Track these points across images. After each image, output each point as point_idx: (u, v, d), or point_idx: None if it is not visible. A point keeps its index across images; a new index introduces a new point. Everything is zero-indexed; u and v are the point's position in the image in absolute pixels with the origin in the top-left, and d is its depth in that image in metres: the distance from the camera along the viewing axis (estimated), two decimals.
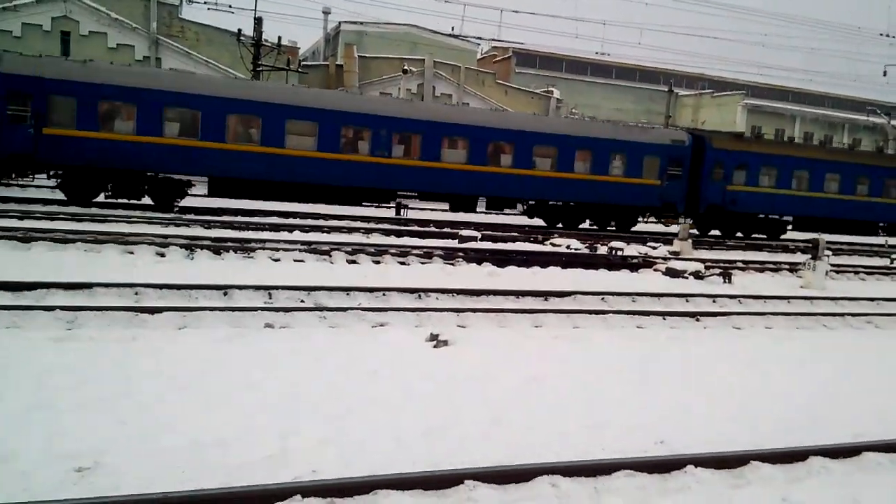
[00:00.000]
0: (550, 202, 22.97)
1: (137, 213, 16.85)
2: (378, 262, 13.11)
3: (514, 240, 17.66)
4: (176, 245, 12.15)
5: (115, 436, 4.48)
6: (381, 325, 8.25)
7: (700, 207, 24.69)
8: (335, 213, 20.46)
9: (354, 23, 42.41)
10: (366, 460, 4.40)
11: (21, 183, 20.07)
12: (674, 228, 22.53)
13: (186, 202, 19.40)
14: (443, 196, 22.05)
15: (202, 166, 18.65)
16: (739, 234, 26.04)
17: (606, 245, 16.96)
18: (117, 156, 17.77)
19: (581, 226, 23.67)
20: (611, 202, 23.32)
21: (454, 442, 4.84)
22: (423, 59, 39.24)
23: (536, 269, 13.68)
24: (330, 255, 13.05)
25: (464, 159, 21.17)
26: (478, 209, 23.56)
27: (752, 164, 25.25)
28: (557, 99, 44.22)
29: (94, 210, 16.76)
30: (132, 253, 11.54)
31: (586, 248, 16.88)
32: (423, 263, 13.40)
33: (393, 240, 16.29)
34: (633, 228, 24.72)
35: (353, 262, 12.92)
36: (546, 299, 10.48)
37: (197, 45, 34.59)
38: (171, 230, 14.43)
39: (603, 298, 10.88)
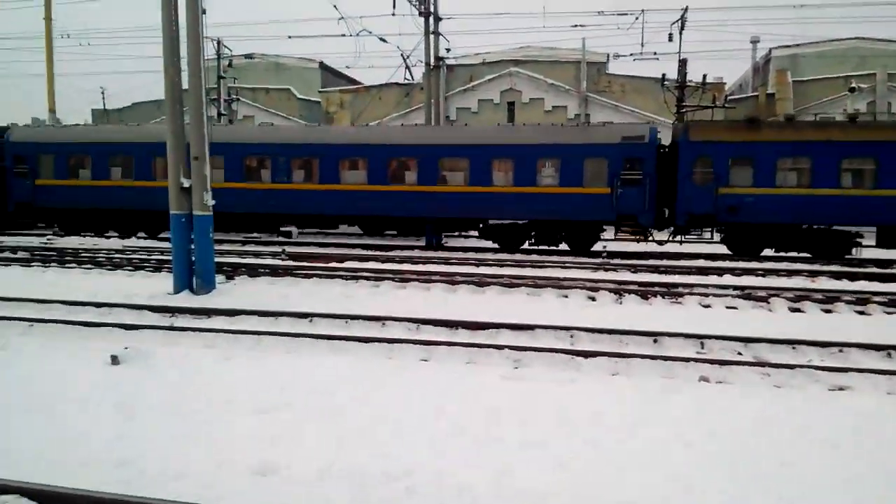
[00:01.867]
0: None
1: (569, 258, 18.11)
2: (829, 312, 11.30)
3: None
4: (605, 289, 12.59)
5: (560, 479, 4.63)
6: (841, 389, 6.96)
7: (678, 218, 18.95)
8: (770, 256, 18.59)
9: (787, 46, 38.81)
10: None
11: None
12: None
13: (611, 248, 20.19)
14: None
15: None
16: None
17: None
18: None
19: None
20: (542, 218, 20.03)
21: None
22: (874, 74, 33.43)
23: None
24: (768, 302, 11.78)
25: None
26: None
27: (761, 156, 18.29)
28: None
29: (533, 256, 18.60)
30: (566, 297, 12.33)
31: None
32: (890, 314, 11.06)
33: (846, 284, 13.91)
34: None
35: (797, 310, 11.39)
36: None
37: (623, 96, 36.10)
38: (601, 275, 15.03)
39: None
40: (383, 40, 28.27)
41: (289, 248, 19.77)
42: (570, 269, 16.15)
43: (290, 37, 32.67)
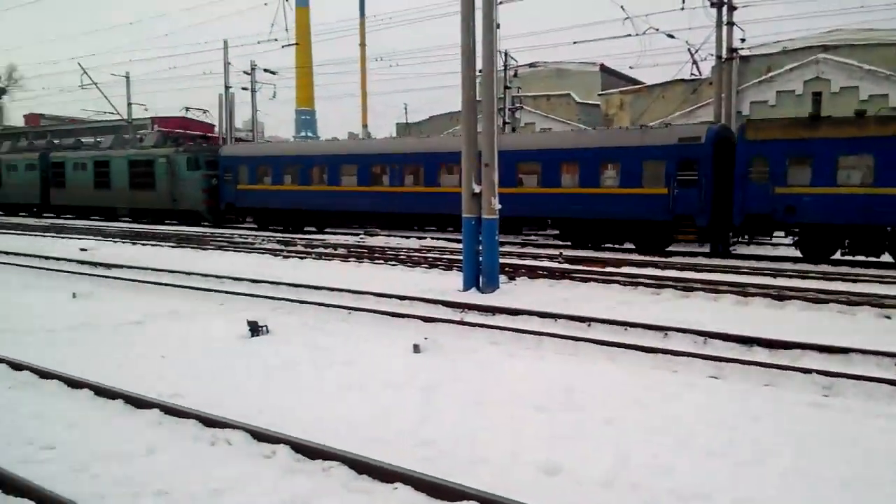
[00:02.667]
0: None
1: (891, 272, 15.44)
2: None
3: None
4: None
5: None
6: None
7: (735, 219, 18.86)
8: None
9: None
10: None
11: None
12: None
13: None
14: None
15: None
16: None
17: None
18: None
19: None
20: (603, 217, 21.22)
21: None
22: None
23: None
24: None
25: None
26: None
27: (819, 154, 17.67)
28: None
29: (843, 269, 16.26)
30: (889, 318, 10.56)
31: None
32: None
33: None
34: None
35: None
36: None
37: None
38: None
39: None
40: (671, 36, 27.13)
41: (565, 252, 20.04)
42: (892, 284, 13.80)
43: (574, 42, 33.01)
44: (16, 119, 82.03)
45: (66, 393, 6.28)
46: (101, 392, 6.10)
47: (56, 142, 46.11)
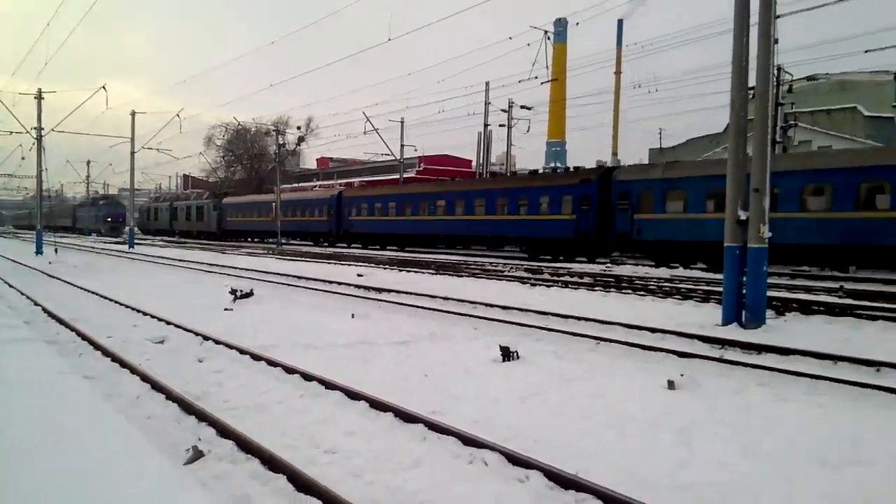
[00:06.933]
0: None
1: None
2: None
3: None
4: None
5: None
6: None
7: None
8: None
9: None
10: None
11: None
12: None
13: None
14: None
15: None
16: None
17: None
18: None
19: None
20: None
21: None
22: None
23: None
24: None
25: None
26: None
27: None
28: None
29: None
30: None
31: None
32: None
33: None
34: None
35: None
36: None
37: None
38: None
39: None
40: None
41: (847, 285, 17.61)
42: None
43: (866, 51, 28.97)
44: (310, 162, 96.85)
45: (347, 403, 7.09)
46: (375, 405, 6.79)
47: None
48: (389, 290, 17.61)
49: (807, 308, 13.91)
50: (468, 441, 5.59)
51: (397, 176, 56.99)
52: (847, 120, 40.27)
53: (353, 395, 7.13)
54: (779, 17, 18.01)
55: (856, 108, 40.53)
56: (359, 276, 22.25)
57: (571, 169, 33.17)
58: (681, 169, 27.03)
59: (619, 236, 27.95)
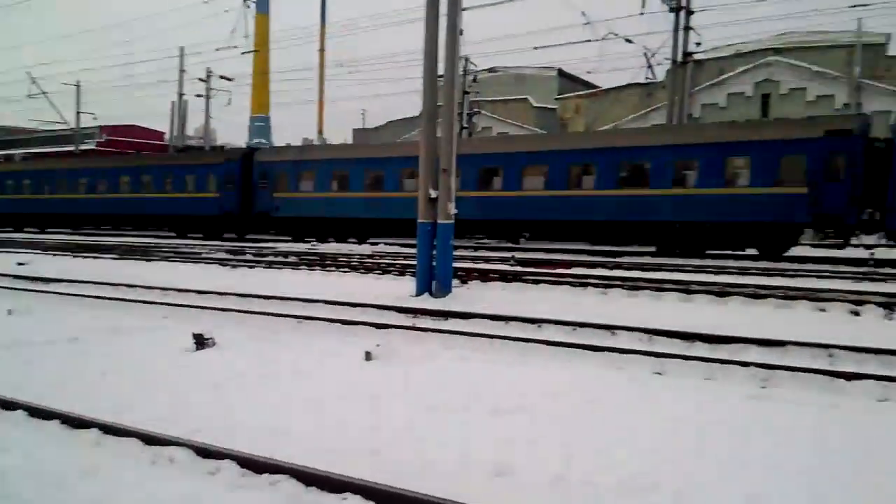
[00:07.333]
0: None
1: (828, 266, 16.10)
2: None
3: None
4: (872, 303, 11.01)
5: None
6: None
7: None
8: None
9: None
10: None
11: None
12: None
13: None
14: None
15: None
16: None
17: None
18: None
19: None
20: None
21: None
22: None
23: None
24: None
25: None
26: None
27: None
28: None
29: (783, 265, 16.85)
30: (824, 310, 10.99)
31: None
32: None
33: None
34: None
35: None
36: None
37: None
38: (866, 286, 13.25)
39: None
40: (629, 41, 27.71)
41: (517, 255, 20.23)
42: (827, 278, 14.41)
43: (535, 48, 33.37)
44: None
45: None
46: (36, 413, 5.87)
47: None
48: (59, 280, 15.37)
49: (486, 276, 15.68)
50: (151, 440, 5.13)
51: (73, 147, 49.86)
52: (521, 110, 46.07)
53: (7, 405, 6.06)
54: (465, 9, 19.56)
55: (527, 99, 46.53)
56: (19, 264, 19.03)
57: (221, 149, 35.03)
58: (311, 152, 31.75)
59: (260, 214, 30.15)
